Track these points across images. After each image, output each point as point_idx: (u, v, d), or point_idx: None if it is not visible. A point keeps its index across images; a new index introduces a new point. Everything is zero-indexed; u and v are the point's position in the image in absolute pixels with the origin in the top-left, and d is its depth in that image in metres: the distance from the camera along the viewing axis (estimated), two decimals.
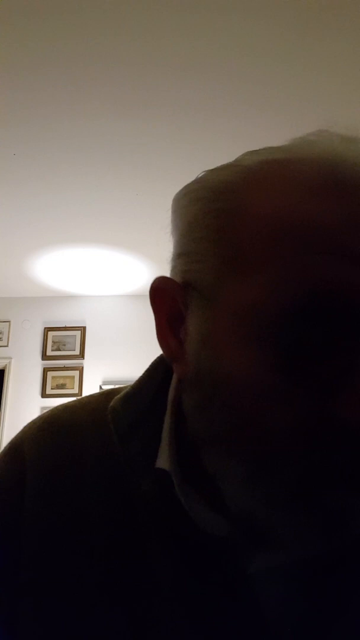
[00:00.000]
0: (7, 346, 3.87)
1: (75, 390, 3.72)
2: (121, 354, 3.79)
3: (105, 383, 3.74)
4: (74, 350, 3.86)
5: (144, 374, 0.43)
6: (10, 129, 2.04)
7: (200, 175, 0.36)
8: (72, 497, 0.38)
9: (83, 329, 3.90)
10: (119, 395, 0.42)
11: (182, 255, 0.35)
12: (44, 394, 3.74)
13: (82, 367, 3.81)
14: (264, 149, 0.34)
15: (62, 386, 3.77)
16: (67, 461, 0.39)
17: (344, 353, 0.28)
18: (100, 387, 3.72)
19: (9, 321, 3.93)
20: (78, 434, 0.41)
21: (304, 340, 0.28)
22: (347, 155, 0.31)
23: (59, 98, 1.86)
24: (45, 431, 0.42)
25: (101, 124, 2.01)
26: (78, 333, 3.89)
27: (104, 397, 0.44)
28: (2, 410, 3.66)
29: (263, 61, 1.70)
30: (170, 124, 2.00)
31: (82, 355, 3.84)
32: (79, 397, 0.46)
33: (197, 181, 0.35)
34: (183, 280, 0.35)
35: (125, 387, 0.44)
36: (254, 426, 0.29)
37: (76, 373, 3.80)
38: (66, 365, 3.82)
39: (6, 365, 3.82)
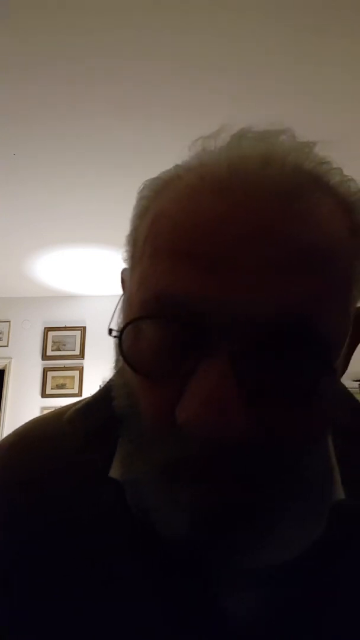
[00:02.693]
0: (7, 346, 3.87)
1: (75, 390, 3.72)
2: None
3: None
4: (74, 350, 3.86)
5: (109, 380, 0.42)
6: (10, 128, 2.04)
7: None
8: (40, 511, 0.37)
9: (83, 329, 3.90)
10: (77, 406, 0.43)
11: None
12: (44, 394, 3.74)
13: (82, 367, 3.81)
14: (201, 151, 0.35)
15: (62, 386, 3.77)
16: (36, 475, 0.39)
17: (187, 356, 0.28)
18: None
19: (9, 321, 3.93)
20: (49, 447, 0.41)
21: (153, 340, 0.30)
22: (232, 156, 0.31)
23: (59, 98, 1.86)
24: (15, 446, 0.42)
25: (101, 123, 2.01)
26: (78, 333, 3.89)
27: None
28: (2, 410, 3.66)
29: (263, 61, 1.70)
30: (171, 124, 2.00)
31: (82, 355, 3.84)
32: (56, 409, 0.45)
33: (155, 177, 0.36)
34: None
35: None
36: (138, 409, 0.31)
37: (76, 373, 3.80)
38: (66, 365, 3.82)
39: (6, 365, 3.81)
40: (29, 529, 0.37)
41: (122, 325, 0.32)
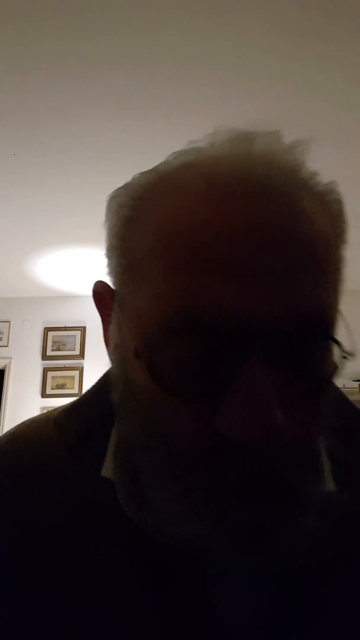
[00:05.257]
0: (7, 346, 3.87)
1: (75, 390, 3.72)
2: None
3: None
4: (74, 350, 3.86)
5: (97, 382, 0.43)
6: (11, 129, 2.04)
7: (132, 178, 0.36)
8: (33, 512, 0.37)
9: (83, 329, 3.90)
10: (64, 407, 0.43)
11: (107, 262, 0.36)
12: (44, 394, 3.74)
13: (82, 367, 3.81)
14: (188, 150, 0.34)
15: (62, 386, 3.77)
16: (27, 477, 0.39)
17: (219, 370, 0.28)
18: None
19: (9, 321, 3.93)
20: (39, 449, 0.40)
21: (180, 356, 0.29)
22: (237, 159, 0.31)
23: (59, 98, 1.86)
24: (7, 447, 0.42)
25: (102, 124, 2.01)
26: (78, 333, 3.89)
27: None
28: (2, 411, 3.66)
29: (263, 60, 1.70)
30: (172, 125, 2.00)
31: (82, 355, 3.84)
32: (48, 410, 0.45)
33: (125, 185, 0.36)
34: (113, 286, 0.36)
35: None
36: (156, 431, 0.30)
37: (76, 373, 3.80)
38: (66, 365, 3.82)
39: (6, 365, 3.81)
40: (19, 531, 0.37)
41: (144, 345, 0.30)
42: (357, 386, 3.24)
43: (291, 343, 0.28)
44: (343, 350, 0.30)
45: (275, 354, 0.28)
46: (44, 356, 3.85)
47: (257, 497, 0.28)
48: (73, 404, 0.43)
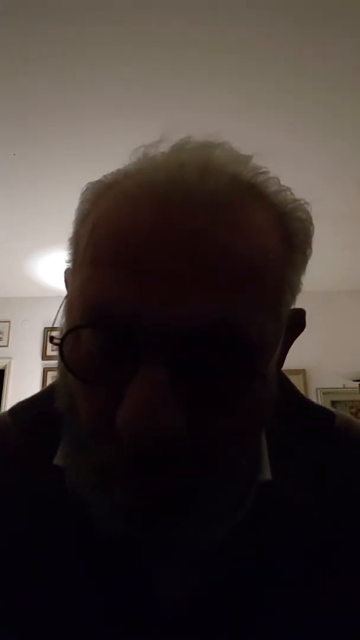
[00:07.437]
0: (7, 346, 3.87)
1: None
2: None
3: None
4: None
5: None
6: (11, 129, 2.04)
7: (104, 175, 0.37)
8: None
9: None
10: (25, 398, 0.44)
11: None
12: None
13: None
14: (139, 154, 0.35)
15: None
16: None
17: (123, 364, 0.29)
18: None
19: (9, 321, 3.93)
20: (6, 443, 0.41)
21: (91, 350, 0.30)
22: (172, 165, 0.31)
23: (59, 97, 1.86)
24: None
25: (102, 123, 2.01)
26: None
27: None
28: (2, 411, 3.66)
29: (263, 59, 1.70)
30: (172, 126, 2.00)
31: None
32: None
33: (97, 180, 0.37)
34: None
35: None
36: (77, 411, 0.32)
37: None
38: None
39: (6, 365, 3.82)
40: None
41: (63, 332, 0.32)
42: (357, 386, 3.24)
43: (188, 347, 0.28)
44: (249, 366, 0.30)
45: (179, 357, 0.28)
46: (44, 356, 3.85)
47: (147, 489, 0.29)
48: (32, 396, 0.44)
